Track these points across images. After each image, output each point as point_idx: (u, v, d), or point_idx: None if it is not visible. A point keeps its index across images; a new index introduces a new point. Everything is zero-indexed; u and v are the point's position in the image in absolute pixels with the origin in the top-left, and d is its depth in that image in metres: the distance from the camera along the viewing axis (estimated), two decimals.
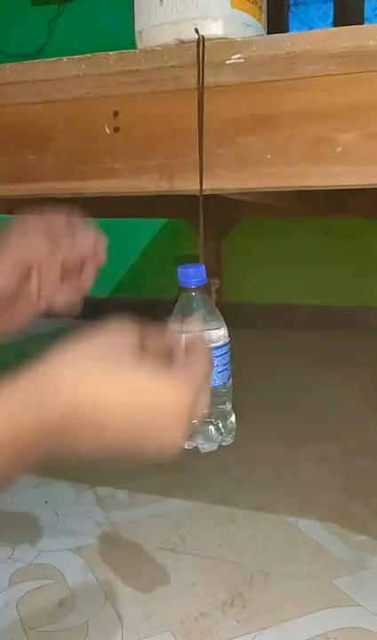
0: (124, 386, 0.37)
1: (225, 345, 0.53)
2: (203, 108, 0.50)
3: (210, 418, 0.53)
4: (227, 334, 0.53)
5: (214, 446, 0.54)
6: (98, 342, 0.39)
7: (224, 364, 0.53)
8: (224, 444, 0.55)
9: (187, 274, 0.50)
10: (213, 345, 0.51)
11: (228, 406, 0.55)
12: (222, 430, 0.54)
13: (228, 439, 0.55)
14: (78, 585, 0.85)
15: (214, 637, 0.74)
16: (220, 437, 0.54)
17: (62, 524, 1.03)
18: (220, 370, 0.52)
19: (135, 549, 0.95)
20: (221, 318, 0.53)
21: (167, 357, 0.42)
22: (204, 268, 0.51)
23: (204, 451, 0.54)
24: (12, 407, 0.36)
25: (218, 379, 0.52)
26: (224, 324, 0.53)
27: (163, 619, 0.78)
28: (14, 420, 0.36)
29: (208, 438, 0.54)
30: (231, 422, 0.55)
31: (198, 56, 0.47)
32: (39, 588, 0.85)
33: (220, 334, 0.52)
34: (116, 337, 0.40)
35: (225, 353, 0.53)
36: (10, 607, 0.81)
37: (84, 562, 0.91)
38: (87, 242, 0.52)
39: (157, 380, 0.38)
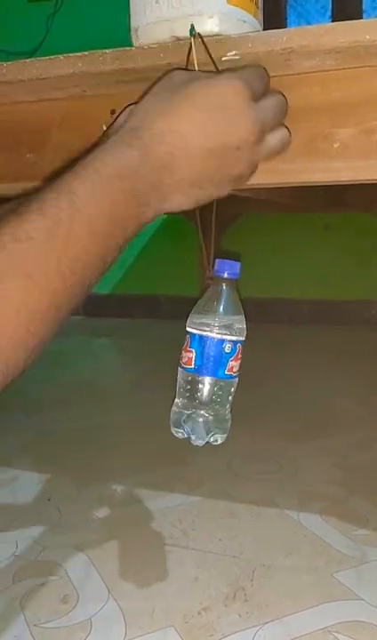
0: (184, 106, 0.42)
1: (240, 342, 0.53)
2: None
3: (205, 409, 0.53)
4: (244, 334, 0.53)
5: (201, 442, 0.54)
6: (156, 85, 0.45)
7: (235, 360, 0.53)
8: (214, 442, 0.55)
9: (221, 264, 0.53)
10: (230, 338, 0.52)
11: (227, 406, 0.55)
12: (211, 428, 0.54)
13: (218, 439, 0.55)
14: (81, 581, 0.86)
15: (217, 631, 0.75)
16: (210, 435, 0.54)
17: (65, 520, 1.04)
18: (229, 364, 0.53)
19: (137, 545, 0.96)
20: (243, 317, 0.53)
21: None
22: (239, 264, 0.54)
23: (193, 443, 0.54)
24: (116, 159, 0.41)
25: (227, 372, 0.53)
26: (244, 324, 0.53)
27: (165, 613, 0.78)
28: (122, 162, 0.41)
29: (197, 430, 0.54)
30: (226, 421, 0.55)
31: (187, 56, 0.46)
32: (43, 584, 0.86)
33: (239, 328, 0.53)
34: (167, 75, 0.45)
35: (236, 350, 0.53)
36: (14, 604, 0.81)
37: (87, 558, 0.92)
38: None
39: (202, 82, 0.43)
